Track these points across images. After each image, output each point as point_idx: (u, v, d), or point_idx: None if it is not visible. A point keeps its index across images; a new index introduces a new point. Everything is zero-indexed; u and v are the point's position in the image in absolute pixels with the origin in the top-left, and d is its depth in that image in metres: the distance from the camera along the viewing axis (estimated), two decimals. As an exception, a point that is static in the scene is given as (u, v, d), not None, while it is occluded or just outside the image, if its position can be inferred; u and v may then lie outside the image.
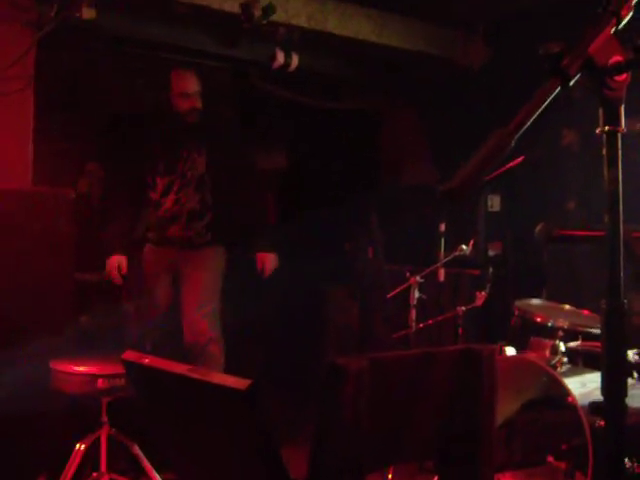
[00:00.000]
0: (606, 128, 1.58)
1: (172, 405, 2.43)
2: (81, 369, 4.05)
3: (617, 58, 1.55)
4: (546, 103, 1.49)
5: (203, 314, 5.08)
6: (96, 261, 6.39)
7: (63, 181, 5.85)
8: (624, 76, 1.57)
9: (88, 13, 5.05)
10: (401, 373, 2.21)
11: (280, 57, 5.89)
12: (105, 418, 4.12)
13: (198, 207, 5.09)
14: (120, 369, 3.61)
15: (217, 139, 5.10)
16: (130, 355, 2.43)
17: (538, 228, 2.17)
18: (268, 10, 5.26)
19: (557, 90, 1.50)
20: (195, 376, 2.18)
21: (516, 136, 1.47)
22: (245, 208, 5.26)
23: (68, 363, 4.08)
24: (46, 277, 4.63)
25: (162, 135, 5.10)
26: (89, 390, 4.04)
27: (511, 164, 4.48)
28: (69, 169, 6.96)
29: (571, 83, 1.51)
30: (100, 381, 4.02)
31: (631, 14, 1.59)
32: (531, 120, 1.48)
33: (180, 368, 2.24)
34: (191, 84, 4.99)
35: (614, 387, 1.60)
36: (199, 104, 5.01)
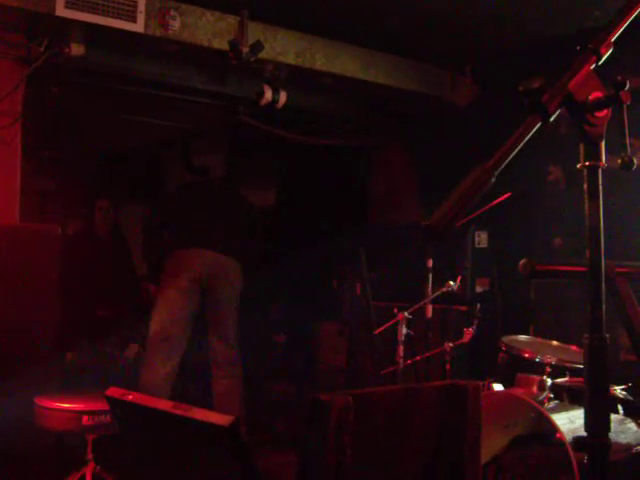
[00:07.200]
0: (587, 163, 1.58)
1: (156, 441, 2.41)
2: (66, 405, 4.01)
3: (597, 94, 1.56)
4: (526, 139, 1.49)
5: None
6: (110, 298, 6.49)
7: (49, 218, 5.86)
8: (604, 112, 1.57)
9: (77, 49, 5.07)
10: (385, 409, 2.20)
11: (268, 94, 5.91)
12: (90, 455, 4.08)
13: None
14: (106, 406, 3.58)
15: None
16: (114, 391, 2.41)
17: (521, 263, 2.16)
18: (256, 47, 5.29)
19: (537, 126, 1.51)
20: (178, 412, 2.16)
21: (496, 172, 1.47)
22: None
23: (52, 399, 4.04)
24: (31, 312, 4.61)
25: None
26: (74, 427, 4.00)
27: (498, 200, 4.49)
28: (56, 206, 6.98)
29: (551, 119, 1.51)
30: (85, 418, 3.98)
31: (611, 51, 1.61)
32: (511, 156, 1.48)
33: (163, 404, 2.23)
34: None
35: (597, 422, 1.59)
36: None
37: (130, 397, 2.35)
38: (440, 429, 2.28)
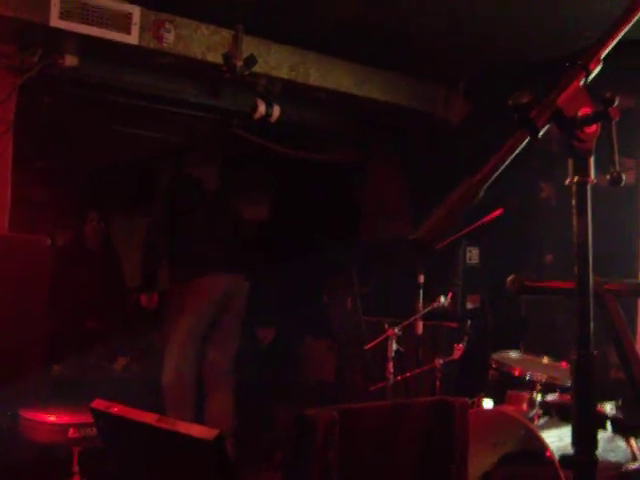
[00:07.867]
0: (575, 179, 1.57)
1: (141, 454, 2.39)
2: (52, 418, 3.98)
3: (586, 110, 1.55)
4: (514, 153, 1.48)
5: None
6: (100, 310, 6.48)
7: (39, 229, 5.84)
8: (593, 128, 1.57)
9: (71, 60, 5.06)
10: (372, 425, 2.18)
11: (261, 108, 5.90)
12: (76, 468, 4.05)
13: None
14: (92, 418, 3.55)
15: None
16: (99, 404, 2.39)
17: (509, 279, 2.16)
18: (250, 61, 5.29)
19: (526, 141, 1.50)
20: (163, 426, 2.14)
21: (484, 186, 1.46)
22: None
23: (38, 411, 4.01)
24: (19, 323, 4.57)
25: None
26: (60, 439, 3.97)
27: (489, 217, 4.49)
28: (46, 217, 6.95)
29: (540, 135, 1.50)
30: (72, 430, 3.96)
31: (600, 67, 1.60)
32: (500, 170, 1.47)
33: (148, 418, 2.21)
34: None
35: (584, 439, 1.57)
36: None
37: (115, 410, 2.34)
38: (427, 445, 2.26)
